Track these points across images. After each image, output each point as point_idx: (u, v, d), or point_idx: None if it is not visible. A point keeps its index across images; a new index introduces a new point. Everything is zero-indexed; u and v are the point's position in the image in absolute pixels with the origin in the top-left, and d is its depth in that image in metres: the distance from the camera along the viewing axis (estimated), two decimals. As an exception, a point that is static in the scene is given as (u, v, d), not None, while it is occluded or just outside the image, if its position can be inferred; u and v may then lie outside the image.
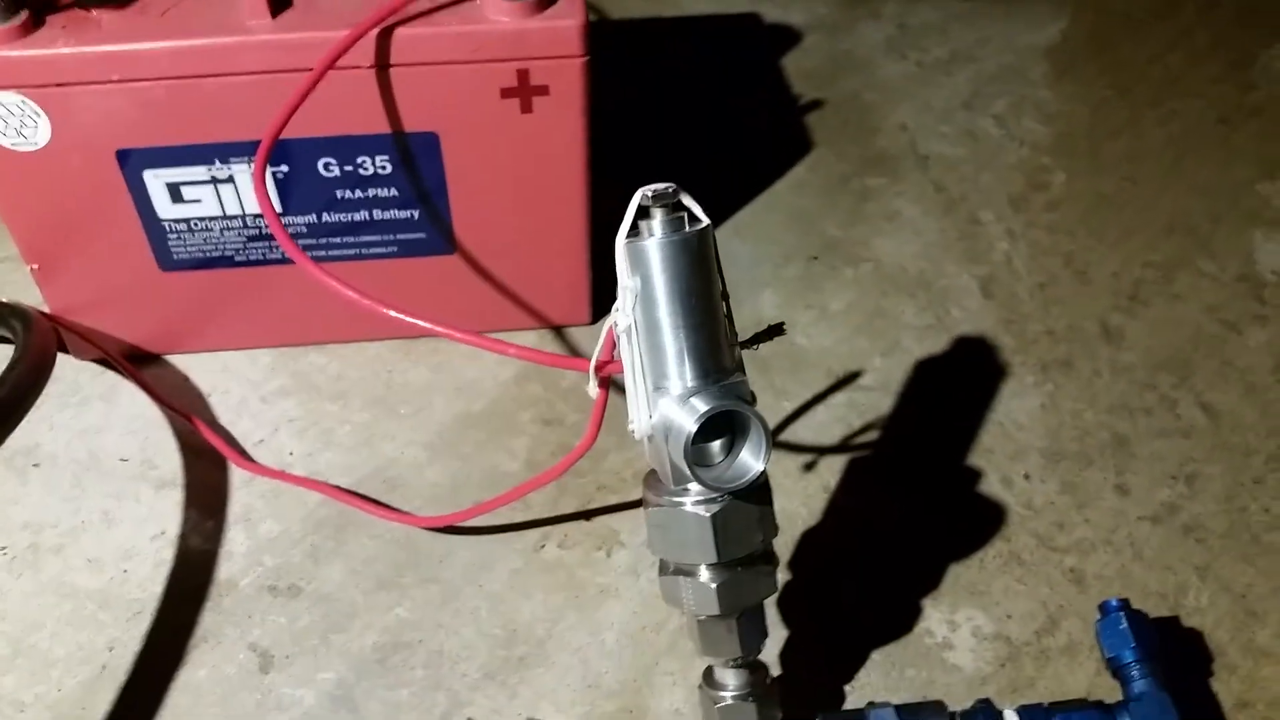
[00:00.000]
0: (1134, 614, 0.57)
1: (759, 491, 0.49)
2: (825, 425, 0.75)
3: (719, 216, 0.91)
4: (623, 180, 0.92)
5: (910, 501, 0.71)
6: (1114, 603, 0.58)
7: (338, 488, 0.70)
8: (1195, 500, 0.71)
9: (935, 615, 0.64)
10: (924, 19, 1.14)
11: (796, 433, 0.74)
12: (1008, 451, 0.73)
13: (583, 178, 0.71)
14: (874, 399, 0.77)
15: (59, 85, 0.63)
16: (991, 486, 0.71)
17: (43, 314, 0.72)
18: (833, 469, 0.72)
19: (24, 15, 0.62)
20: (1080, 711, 0.54)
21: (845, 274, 0.87)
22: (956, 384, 0.78)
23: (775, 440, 0.72)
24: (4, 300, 0.73)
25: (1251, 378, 0.78)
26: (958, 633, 0.64)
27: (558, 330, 0.81)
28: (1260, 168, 0.96)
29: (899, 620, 0.64)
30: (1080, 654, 0.63)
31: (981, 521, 0.69)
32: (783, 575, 0.66)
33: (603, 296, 0.79)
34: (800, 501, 0.70)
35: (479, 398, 0.76)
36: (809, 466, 0.72)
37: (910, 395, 0.77)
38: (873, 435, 0.74)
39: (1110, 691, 0.58)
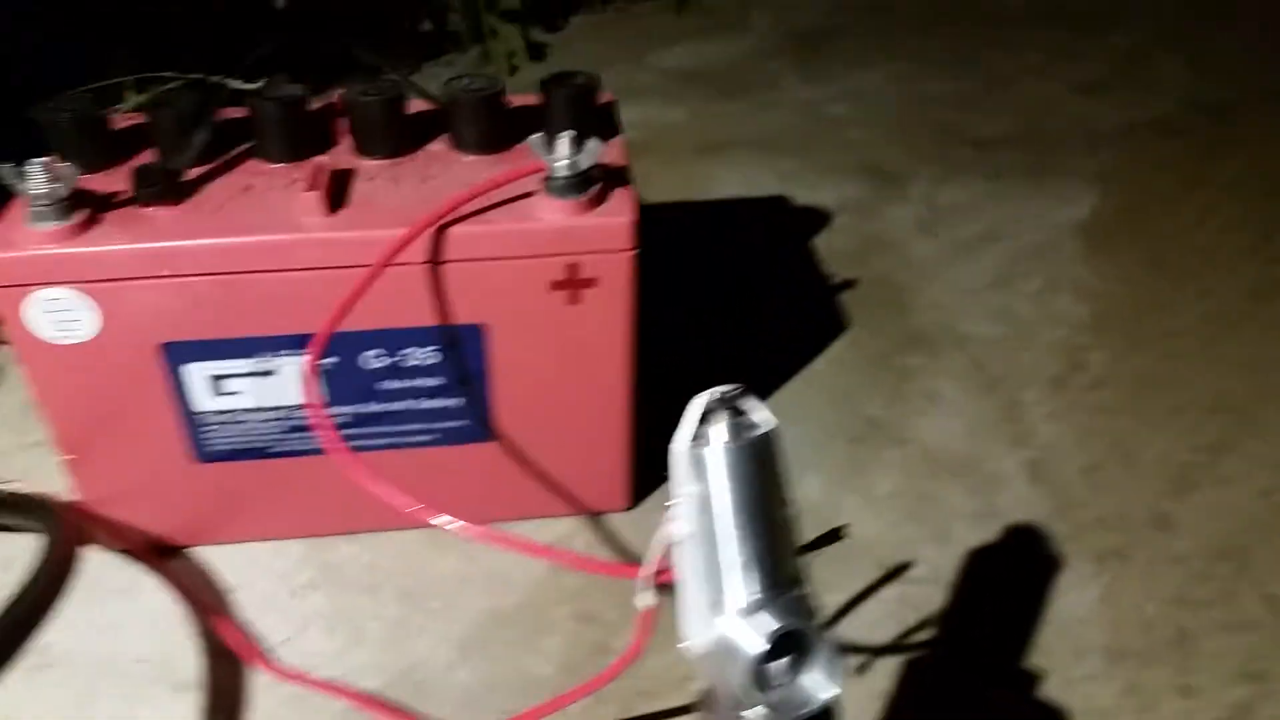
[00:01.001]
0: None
1: (827, 714, 0.46)
2: (877, 621, 0.71)
3: (763, 393, 0.89)
4: (660, 366, 0.92)
5: (971, 707, 0.67)
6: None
7: (362, 695, 0.66)
8: (1267, 701, 0.66)
9: (1002, 834, 0.60)
10: (952, 198, 1.16)
11: (845, 630, 0.71)
12: (1068, 649, 0.70)
13: (627, 366, 0.70)
14: (927, 592, 0.73)
15: (110, 280, 0.63)
16: (1054, 688, 0.67)
17: (71, 512, 0.71)
18: (886, 671, 0.68)
19: (82, 214, 0.63)
20: None
21: (890, 455, 0.85)
22: (1011, 575, 0.75)
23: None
24: (34, 495, 0.72)
25: (1317, 566, 0.75)
26: None
27: (594, 516, 0.79)
28: (1302, 343, 0.95)
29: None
30: None
31: (1044, 724, 0.65)
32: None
33: (640, 483, 0.78)
34: (852, 707, 0.66)
35: (511, 590, 0.73)
36: (860, 668, 0.69)
37: (964, 588, 0.74)
38: (927, 634, 0.71)
39: None
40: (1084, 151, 1.23)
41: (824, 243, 1.10)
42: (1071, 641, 0.70)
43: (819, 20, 1.57)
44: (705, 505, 0.45)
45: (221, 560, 0.76)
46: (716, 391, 0.45)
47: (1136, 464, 0.84)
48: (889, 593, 0.73)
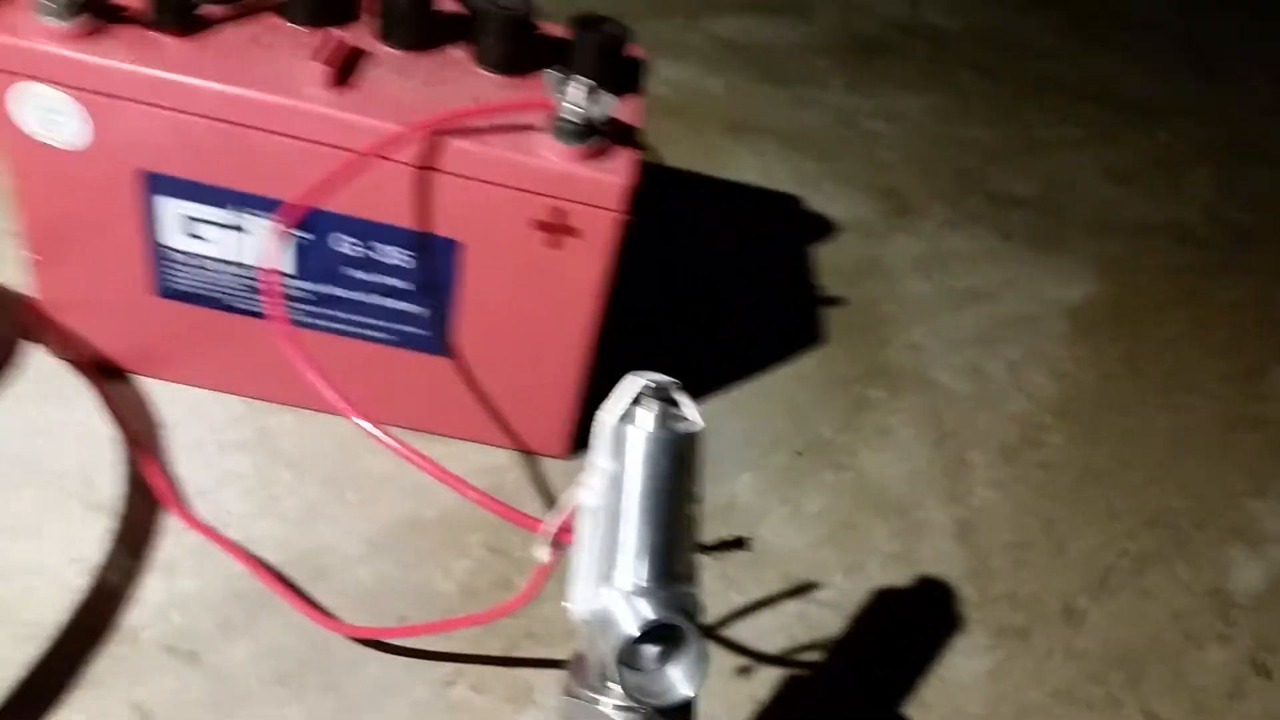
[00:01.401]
0: None
1: (682, 710, 0.47)
2: (769, 631, 0.73)
3: (717, 387, 0.90)
4: (628, 331, 0.92)
5: (835, 734, 0.68)
6: None
7: (265, 566, 0.67)
8: (1115, 812, 0.69)
9: None
10: (958, 246, 1.16)
11: (739, 631, 0.72)
12: (943, 710, 0.71)
13: (590, 322, 0.70)
14: (825, 616, 0.75)
15: (108, 95, 0.62)
16: (919, 741, 0.69)
17: (22, 308, 0.70)
18: (765, 680, 0.70)
19: (84, 19, 0.61)
20: None
21: (826, 477, 0.86)
22: (910, 624, 0.77)
23: (714, 633, 0.71)
24: None
25: (1203, 697, 0.77)
26: None
27: (531, 456, 0.79)
28: (1254, 482, 0.96)
29: None
30: None
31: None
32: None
33: (582, 436, 0.78)
34: (724, 706, 0.68)
35: (432, 504, 0.73)
36: (742, 670, 0.70)
37: (862, 622, 0.75)
38: (814, 655, 0.72)
39: None
40: (1095, 235, 1.24)
41: (823, 254, 1.10)
42: (949, 704, 0.72)
43: (880, 32, 1.55)
44: (616, 483, 0.45)
45: (163, 395, 0.76)
46: (654, 378, 0.45)
47: (1063, 553, 0.85)
48: (790, 607, 0.75)
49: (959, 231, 1.19)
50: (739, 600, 0.74)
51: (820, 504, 0.83)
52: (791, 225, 1.14)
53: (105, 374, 0.74)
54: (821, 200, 1.18)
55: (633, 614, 0.44)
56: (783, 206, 1.16)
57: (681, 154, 1.17)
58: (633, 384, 0.46)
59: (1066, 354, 1.05)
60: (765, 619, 0.74)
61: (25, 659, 0.60)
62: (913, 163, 1.29)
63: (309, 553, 0.69)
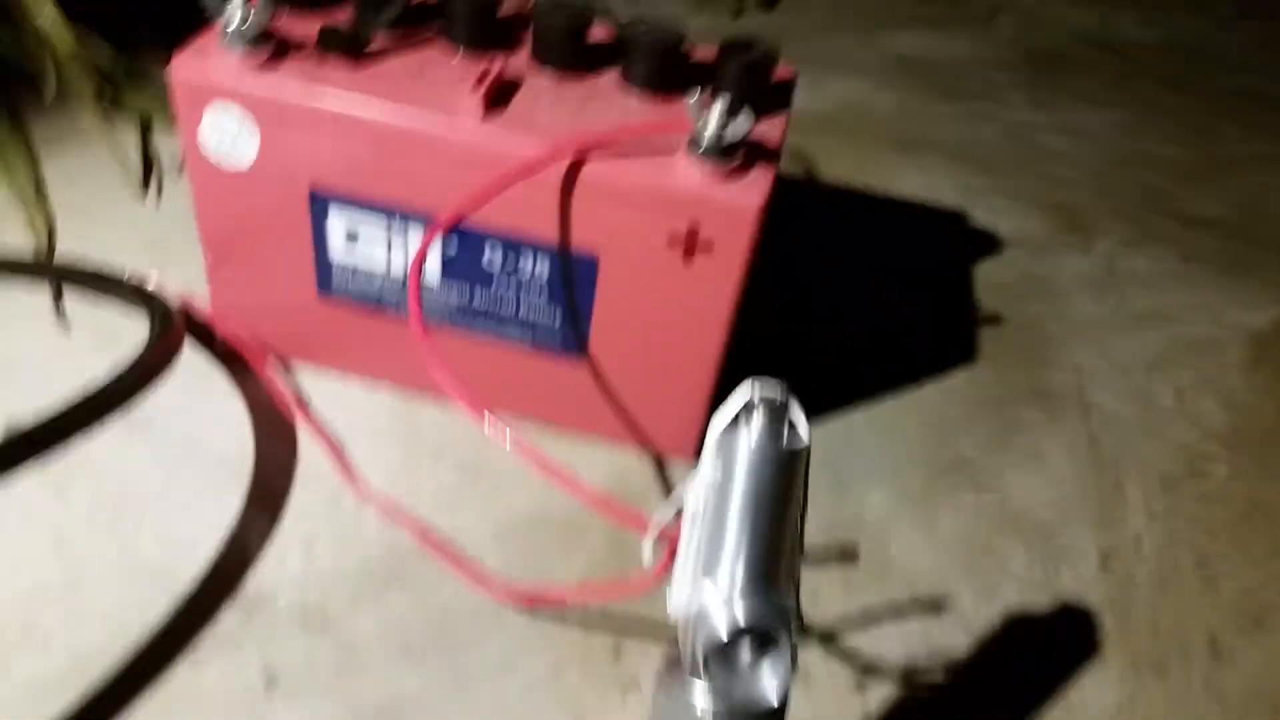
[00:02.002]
0: None
1: (773, 715, 0.48)
2: (890, 643, 0.72)
3: (861, 399, 0.90)
4: (773, 338, 0.92)
5: (946, 755, 0.67)
6: None
7: (431, 536, 0.72)
8: None
9: None
10: (1135, 267, 1.11)
11: (859, 643, 0.72)
12: (1067, 739, 0.69)
13: (723, 331, 0.72)
14: (949, 635, 0.73)
15: (276, 117, 0.68)
16: (1037, 770, 0.67)
17: (183, 317, 0.78)
18: (880, 697, 0.69)
19: (268, 49, 0.68)
20: None
21: (966, 499, 0.84)
22: (1038, 649, 0.74)
23: (831, 641, 0.70)
24: (154, 292, 0.79)
25: (1359, 753, 0.71)
26: None
27: (659, 458, 0.81)
28: None
29: None
30: None
31: (1013, 803, 0.65)
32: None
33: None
34: (827, 709, 0.67)
35: (559, 502, 0.76)
36: (858, 685, 0.69)
37: (988, 645, 0.73)
38: (935, 676, 0.71)
39: None
40: (1290, 260, 1.16)
41: (986, 271, 1.08)
42: (1074, 734, 0.69)
43: (1063, 45, 1.50)
44: (720, 490, 0.46)
45: (319, 387, 0.81)
46: (764, 390, 0.46)
47: (1216, 590, 0.80)
48: (913, 624, 0.73)
49: (1137, 252, 1.14)
50: (858, 613, 0.73)
51: (956, 525, 0.81)
52: (953, 240, 1.11)
53: (266, 363, 0.81)
54: (988, 215, 1.15)
55: (726, 616, 0.45)
56: (945, 221, 1.14)
57: (845, 168, 1.17)
58: (743, 392, 0.47)
59: (1243, 383, 0.99)
60: (887, 633, 0.73)
61: (170, 615, 0.66)
62: (1091, 180, 1.24)
63: (442, 537, 0.73)
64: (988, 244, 1.11)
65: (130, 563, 0.68)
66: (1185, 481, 0.89)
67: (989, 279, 1.06)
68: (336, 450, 0.76)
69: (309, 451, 0.77)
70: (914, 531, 0.80)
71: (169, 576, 0.68)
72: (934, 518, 0.81)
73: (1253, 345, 1.04)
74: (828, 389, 0.90)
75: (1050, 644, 0.75)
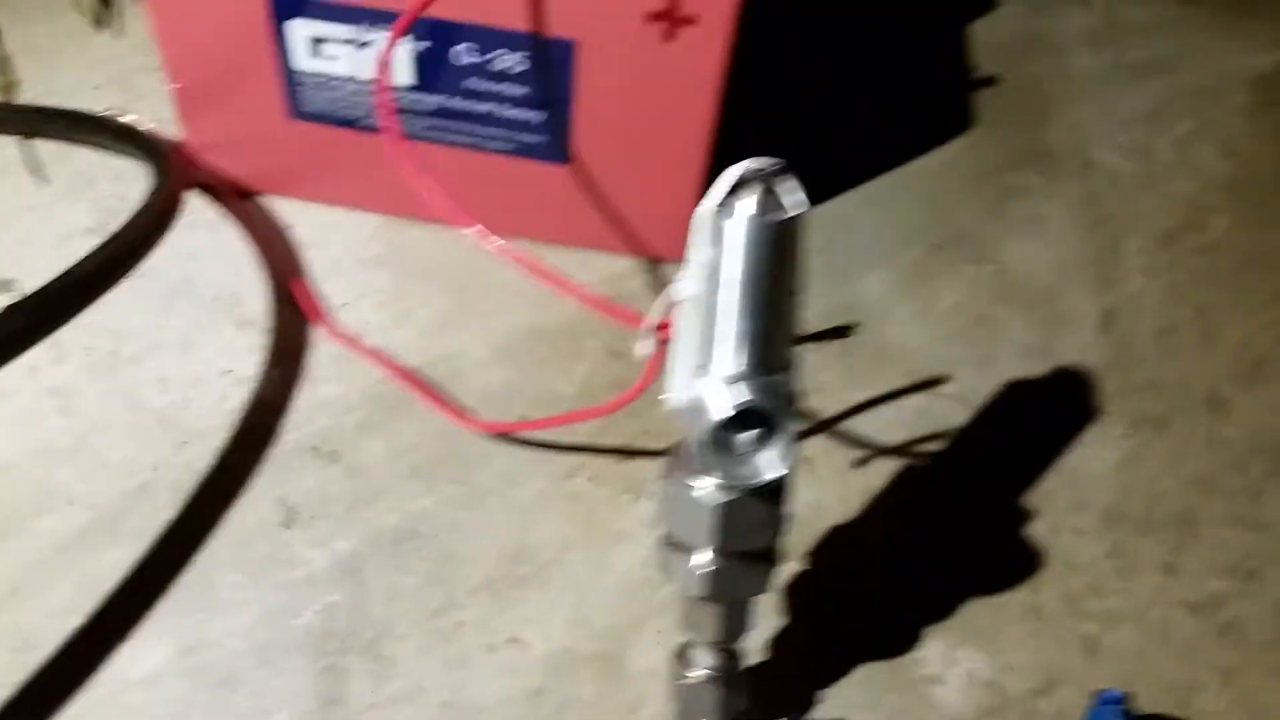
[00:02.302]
0: (1127, 712, 0.55)
1: (773, 493, 0.49)
2: (889, 425, 0.73)
3: (854, 180, 0.88)
4: (759, 125, 0.90)
5: (950, 525, 0.69)
6: (1114, 694, 0.56)
7: (403, 370, 0.71)
8: (1245, 600, 0.67)
9: (936, 647, 0.63)
10: (1134, 17, 1.06)
11: (857, 425, 0.73)
12: (1068, 500, 0.71)
13: (711, 114, 0.69)
14: (948, 410, 0.74)
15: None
16: (1039, 531, 0.69)
17: (179, 155, 0.75)
18: (881, 472, 0.71)
19: None
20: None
21: (964, 271, 0.83)
22: (1039, 416, 0.75)
23: (828, 427, 0.72)
24: (150, 134, 0.76)
25: (1354, 489, 0.73)
26: (953, 670, 0.63)
27: (655, 261, 0.80)
28: None
29: (897, 641, 0.64)
30: (1069, 725, 0.61)
31: (1015, 564, 0.67)
32: (797, 565, 0.65)
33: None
34: (837, 496, 0.69)
35: (556, 313, 0.76)
36: (858, 462, 0.71)
37: (987, 416, 0.74)
38: (933, 447, 0.72)
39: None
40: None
41: (983, 29, 1.03)
42: (1074, 494, 0.71)
43: None
44: (713, 272, 0.45)
45: (303, 217, 0.80)
46: (754, 163, 0.44)
47: (1214, 340, 0.81)
48: (911, 401, 0.74)
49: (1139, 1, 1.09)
50: (859, 396, 0.74)
51: (954, 299, 0.81)
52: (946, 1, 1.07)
53: (246, 198, 0.80)
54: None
55: (724, 399, 0.45)
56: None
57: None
58: (732, 172, 0.45)
59: (1244, 129, 0.96)
60: (885, 413, 0.74)
61: (185, 461, 0.67)
62: (1087, -78, 1.17)
63: (440, 358, 0.73)
64: (983, 2, 1.06)
65: (136, 412, 0.69)
66: (1185, 234, 0.88)
67: (987, 39, 1.02)
68: (303, 290, 0.75)
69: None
70: (912, 310, 0.80)
71: (176, 421, 0.69)
72: (932, 294, 0.81)
73: (1255, 89, 1.00)
74: (822, 172, 0.88)
75: (1050, 408, 0.76)
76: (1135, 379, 0.77)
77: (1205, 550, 0.69)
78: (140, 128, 0.79)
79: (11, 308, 0.54)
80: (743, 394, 0.45)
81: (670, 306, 0.49)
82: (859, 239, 0.84)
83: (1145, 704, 0.62)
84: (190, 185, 0.73)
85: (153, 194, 0.68)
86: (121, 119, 0.81)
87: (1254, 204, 0.90)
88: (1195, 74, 1.01)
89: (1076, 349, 0.79)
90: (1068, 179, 0.91)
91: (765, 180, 0.45)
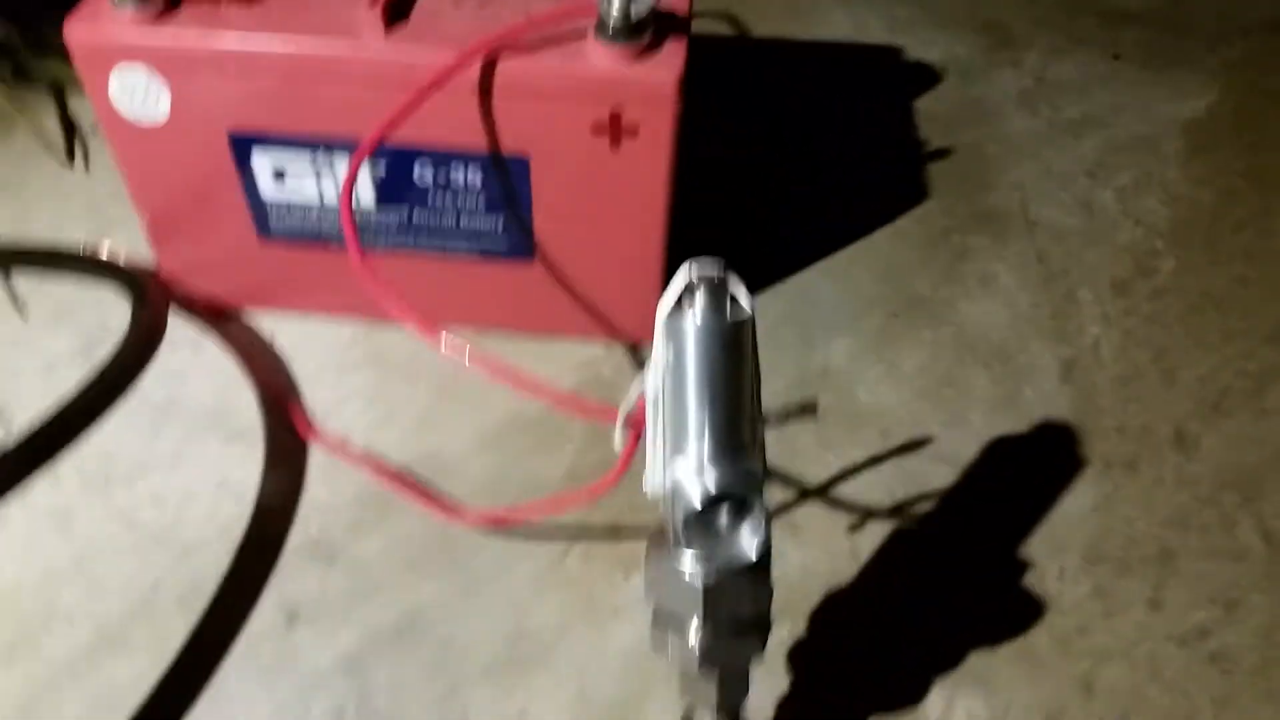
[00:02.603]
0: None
1: (757, 568, 0.51)
2: (871, 487, 0.75)
3: (812, 255, 0.91)
4: (717, 206, 0.93)
5: (938, 576, 0.71)
6: (1107, 726, 0.57)
7: (389, 470, 0.73)
8: (1230, 629, 0.69)
9: (934, 693, 0.65)
10: (1064, 75, 1.12)
11: (840, 489, 0.75)
12: (1049, 545, 0.72)
13: (662, 211, 0.73)
14: (925, 468, 0.76)
15: (183, 68, 0.67)
16: (1024, 577, 0.71)
17: (160, 284, 0.77)
18: (867, 533, 0.72)
19: (160, 1, 0.67)
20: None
21: (924, 335, 0.86)
22: (1013, 467, 0.78)
23: (820, 493, 0.74)
24: (131, 266, 0.79)
25: (1322, 512, 0.75)
26: (952, 714, 0.64)
27: (630, 345, 0.83)
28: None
29: (899, 691, 0.65)
30: (1071, 765, 0.62)
31: (1005, 610, 0.69)
32: (793, 630, 0.67)
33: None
34: (827, 559, 0.71)
35: (536, 405, 0.78)
36: (846, 526, 0.73)
37: (963, 470, 0.77)
38: (916, 506, 0.74)
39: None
40: (1217, 43, 1.16)
41: (922, 104, 1.08)
42: (1054, 538, 0.73)
43: None
44: (674, 370, 0.48)
45: (282, 328, 0.83)
46: (700, 269, 0.47)
47: (1175, 381, 0.84)
48: (889, 464, 0.77)
49: (1067, 59, 1.14)
50: (835, 460, 0.76)
51: (918, 361, 0.84)
52: (886, 78, 1.11)
53: (225, 314, 0.82)
54: (918, 47, 1.15)
55: (697, 486, 0.47)
56: (876, 59, 1.13)
57: (768, 21, 1.16)
58: (681, 275, 0.48)
59: (1181, 175, 1.01)
60: (865, 476, 0.76)
61: (184, 574, 0.68)
62: (1013, -7, 1.23)
63: (426, 454, 0.75)
64: (922, 76, 1.11)
65: (133, 530, 0.70)
66: (1135, 281, 0.91)
67: (927, 110, 1.07)
68: (282, 399, 0.77)
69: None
70: (879, 373, 0.83)
71: (171, 536, 0.70)
72: (897, 357, 0.84)
73: (1186, 135, 1.05)
74: (781, 252, 0.91)
75: (1022, 459, 0.78)
76: (1102, 424, 0.80)
77: (1186, 584, 0.71)
78: (116, 257, 0.81)
79: (5, 455, 0.56)
80: (712, 482, 0.47)
81: (639, 399, 0.52)
82: (822, 310, 0.87)
83: (1142, 738, 0.64)
84: (169, 312, 0.75)
85: (134, 324, 0.70)
86: (98, 247, 0.84)
87: (1198, 246, 0.94)
88: (1129, 126, 1.06)
89: (1041, 400, 0.82)
90: (1015, 238, 0.95)
91: (710, 284, 0.48)
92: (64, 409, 0.59)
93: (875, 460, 0.77)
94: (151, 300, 0.72)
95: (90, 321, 0.82)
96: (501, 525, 0.71)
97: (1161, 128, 1.06)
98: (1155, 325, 0.88)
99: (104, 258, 0.81)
